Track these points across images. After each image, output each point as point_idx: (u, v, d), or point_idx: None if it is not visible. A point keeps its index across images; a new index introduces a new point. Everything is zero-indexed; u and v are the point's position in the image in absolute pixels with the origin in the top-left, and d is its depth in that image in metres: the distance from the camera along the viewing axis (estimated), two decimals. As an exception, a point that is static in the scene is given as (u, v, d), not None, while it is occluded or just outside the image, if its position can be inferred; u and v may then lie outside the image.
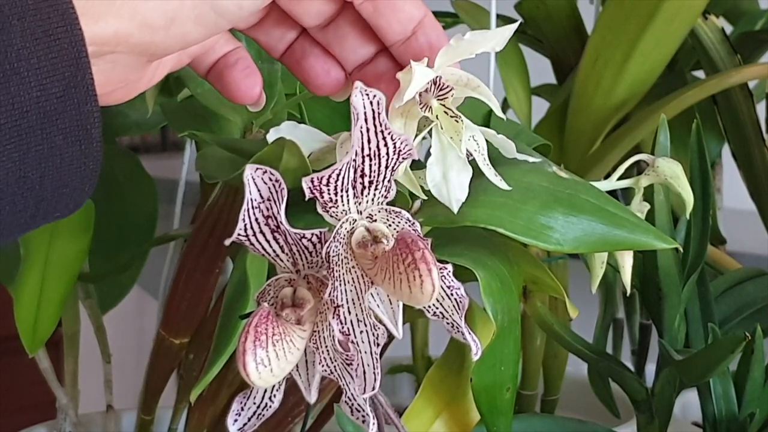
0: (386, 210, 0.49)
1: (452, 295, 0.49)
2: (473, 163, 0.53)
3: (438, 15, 1.12)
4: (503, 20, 1.04)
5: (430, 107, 0.52)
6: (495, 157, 0.55)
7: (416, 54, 0.52)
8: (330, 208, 0.48)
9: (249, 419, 0.53)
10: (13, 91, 0.41)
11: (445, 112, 0.52)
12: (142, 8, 0.45)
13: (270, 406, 0.53)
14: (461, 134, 0.52)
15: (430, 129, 0.53)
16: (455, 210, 0.52)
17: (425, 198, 0.54)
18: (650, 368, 0.86)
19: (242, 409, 0.53)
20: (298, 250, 0.49)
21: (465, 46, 0.52)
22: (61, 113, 0.42)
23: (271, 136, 0.55)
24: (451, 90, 0.52)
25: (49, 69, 0.42)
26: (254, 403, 0.53)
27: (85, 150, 0.43)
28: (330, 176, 0.47)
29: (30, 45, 0.41)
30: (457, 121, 0.52)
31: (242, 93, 0.54)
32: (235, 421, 0.52)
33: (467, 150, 0.53)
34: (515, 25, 0.53)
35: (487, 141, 0.55)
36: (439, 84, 0.52)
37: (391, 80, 0.53)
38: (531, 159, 0.57)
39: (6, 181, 0.42)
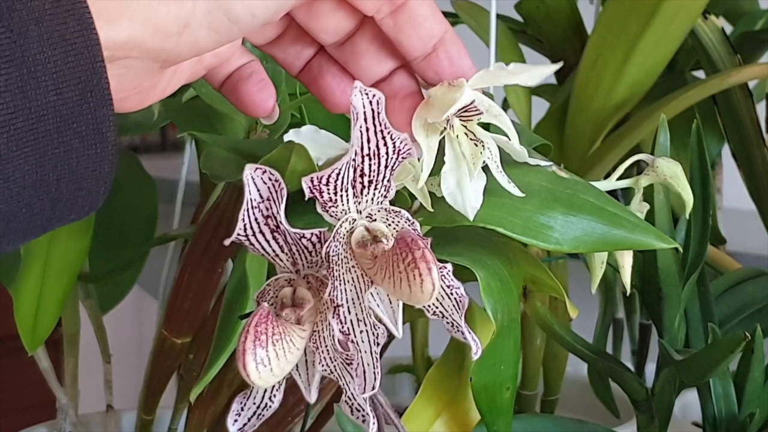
0: (386, 209, 0.49)
1: (452, 294, 0.49)
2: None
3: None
4: (503, 20, 1.05)
5: (452, 126, 0.52)
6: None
7: (437, 70, 0.52)
8: (329, 207, 0.48)
9: (249, 419, 0.53)
10: (31, 96, 0.41)
11: (466, 134, 0.52)
12: (156, 14, 0.45)
13: (270, 406, 0.53)
14: (478, 160, 0.52)
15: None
16: (471, 217, 0.52)
17: (431, 210, 0.54)
18: (650, 368, 0.86)
19: (242, 409, 0.53)
20: (297, 250, 0.49)
21: (503, 75, 0.51)
22: (77, 117, 0.43)
23: (290, 137, 0.55)
24: (479, 114, 0.52)
25: (66, 73, 0.42)
26: (254, 403, 0.53)
27: (101, 153, 0.44)
28: (329, 176, 0.47)
29: (47, 50, 0.42)
30: (476, 145, 0.52)
31: (256, 106, 0.55)
32: (235, 421, 0.52)
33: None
34: (557, 66, 0.53)
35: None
36: (467, 106, 0.51)
37: (406, 97, 0.53)
38: (543, 163, 0.56)
39: (23, 184, 0.42)
